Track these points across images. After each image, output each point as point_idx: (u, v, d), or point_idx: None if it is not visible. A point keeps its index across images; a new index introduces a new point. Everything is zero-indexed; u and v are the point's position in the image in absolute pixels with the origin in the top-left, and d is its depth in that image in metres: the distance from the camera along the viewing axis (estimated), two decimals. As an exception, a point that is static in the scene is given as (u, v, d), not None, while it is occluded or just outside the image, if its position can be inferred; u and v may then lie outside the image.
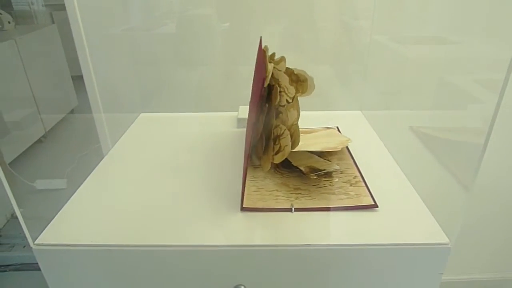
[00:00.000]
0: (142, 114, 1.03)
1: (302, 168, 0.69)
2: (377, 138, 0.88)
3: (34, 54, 1.92)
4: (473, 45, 0.69)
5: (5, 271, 1.47)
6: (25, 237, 0.57)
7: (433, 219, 0.60)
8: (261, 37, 0.75)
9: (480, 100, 0.62)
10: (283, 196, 0.65)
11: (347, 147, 0.81)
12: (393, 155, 0.79)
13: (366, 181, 0.69)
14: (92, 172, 0.76)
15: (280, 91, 0.71)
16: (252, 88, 0.72)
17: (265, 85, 0.69)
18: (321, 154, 0.76)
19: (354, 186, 0.67)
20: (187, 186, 0.70)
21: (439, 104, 0.75)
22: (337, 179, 0.70)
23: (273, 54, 0.76)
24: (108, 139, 1.01)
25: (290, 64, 0.76)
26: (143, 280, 0.58)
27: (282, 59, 0.74)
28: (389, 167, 0.76)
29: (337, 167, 0.70)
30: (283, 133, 0.68)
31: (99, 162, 0.80)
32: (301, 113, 0.74)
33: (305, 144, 0.77)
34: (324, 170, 0.69)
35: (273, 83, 0.71)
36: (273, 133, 0.70)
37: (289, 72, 0.75)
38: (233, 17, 0.95)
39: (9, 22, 1.84)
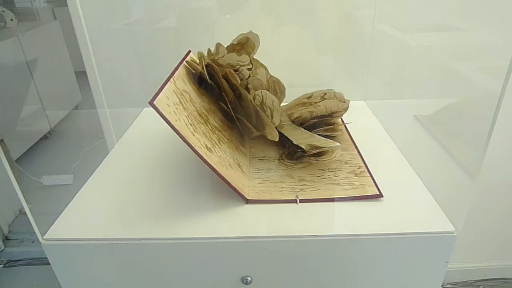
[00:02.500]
0: (146, 109, 1.03)
1: (303, 146, 0.69)
2: (381, 127, 0.87)
3: (37, 51, 1.92)
4: (477, 32, 0.69)
5: (14, 266, 1.49)
6: (34, 232, 0.57)
7: (439, 208, 0.60)
8: (189, 50, 0.77)
9: (485, 87, 0.61)
10: (288, 187, 0.65)
11: (351, 138, 0.80)
12: (397, 145, 0.79)
13: (371, 171, 0.69)
14: (98, 167, 0.76)
15: (237, 69, 0.71)
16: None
17: (209, 81, 0.71)
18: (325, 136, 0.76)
19: (358, 176, 0.67)
20: (192, 179, 0.70)
21: (443, 92, 0.74)
22: (336, 154, 0.69)
23: (209, 51, 0.77)
24: (113, 134, 1.02)
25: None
26: (150, 273, 0.59)
27: (217, 46, 0.75)
28: (394, 156, 0.76)
29: (338, 144, 0.69)
30: (262, 95, 0.69)
31: (104, 157, 0.80)
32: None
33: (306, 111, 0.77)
34: (325, 147, 0.68)
35: (224, 72, 0.71)
36: (257, 105, 0.70)
37: (231, 47, 0.76)
38: (234, 9, 0.94)
39: (11, 20, 1.84)
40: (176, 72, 0.67)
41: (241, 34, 0.76)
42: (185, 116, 0.59)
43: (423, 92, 0.81)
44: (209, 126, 0.64)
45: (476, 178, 0.54)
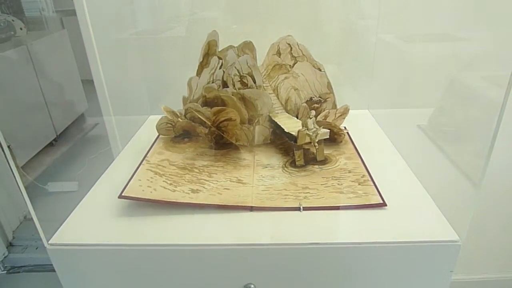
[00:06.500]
0: (151, 116, 1.04)
1: (293, 133, 0.71)
2: (385, 136, 0.87)
3: (45, 59, 1.95)
4: (480, 42, 0.69)
5: (18, 272, 1.49)
6: (38, 238, 0.58)
7: (443, 217, 0.60)
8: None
9: (488, 96, 0.61)
10: (291, 195, 0.65)
11: (355, 146, 0.81)
12: (401, 153, 0.79)
13: (375, 179, 0.69)
14: (103, 174, 0.77)
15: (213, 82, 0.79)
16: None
17: (182, 119, 0.79)
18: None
19: (362, 185, 0.67)
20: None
21: (446, 101, 0.75)
22: (340, 163, 0.70)
23: (183, 98, 0.84)
24: (118, 142, 1.03)
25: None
26: (154, 279, 0.59)
27: (188, 84, 0.82)
28: (398, 165, 0.76)
29: (326, 131, 0.72)
30: (238, 69, 0.76)
31: (109, 164, 0.81)
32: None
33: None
34: (313, 134, 0.71)
35: (203, 99, 0.78)
36: (239, 88, 0.76)
37: (200, 67, 0.82)
38: (240, 19, 0.96)
39: (21, 29, 1.87)
40: (151, 151, 0.78)
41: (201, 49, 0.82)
42: (163, 181, 0.68)
43: (426, 101, 0.81)
44: (197, 170, 0.72)
45: (479, 187, 0.54)
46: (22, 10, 1.99)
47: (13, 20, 1.84)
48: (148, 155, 0.76)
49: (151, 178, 0.68)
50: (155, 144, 0.81)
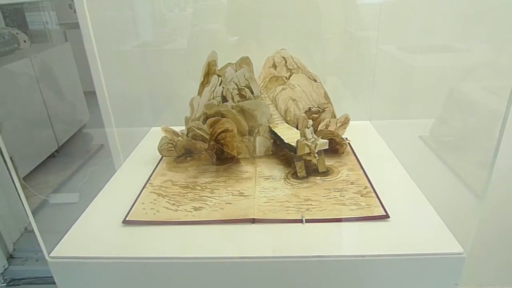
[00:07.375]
0: (153, 128, 1.04)
1: (293, 144, 0.72)
2: (387, 147, 0.87)
3: (48, 71, 1.96)
4: (480, 52, 0.70)
5: (18, 284, 1.48)
6: (39, 250, 0.58)
7: (446, 229, 0.59)
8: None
9: (490, 106, 0.61)
10: (293, 207, 0.65)
11: (357, 158, 0.80)
12: (403, 164, 0.79)
13: (377, 191, 0.68)
14: (105, 186, 0.77)
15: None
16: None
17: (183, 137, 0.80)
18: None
19: (364, 197, 0.67)
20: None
21: (448, 112, 0.75)
22: (342, 174, 0.70)
23: (186, 118, 0.85)
24: (120, 153, 1.03)
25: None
26: (155, 293, 0.58)
27: (190, 104, 0.83)
28: (400, 176, 0.75)
29: (325, 141, 0.72)
30: (235, 83, 0.77)
31: (111, 176, 0.81)
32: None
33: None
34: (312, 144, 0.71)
35: (204, 116, 0.78)
36: (238, 101, 0.77)
37: (201, 87, 0.83)
38: (241, 31, 0.97)
39: (24, 41, 1.89)
40: (154, 174, 0.78)
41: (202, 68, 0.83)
42: (166, 201, 0.68)
43: (428, 112, 0.81)
44: (199, 188, 0.72)
45: (483, 197, 0.53)
46: (26, 23, 2.01)
47: (17, 33, 1.87)
48: (151, 178, 0.77)
49: (154, 200, 0.69)
50: (158, 166, 0.81)
